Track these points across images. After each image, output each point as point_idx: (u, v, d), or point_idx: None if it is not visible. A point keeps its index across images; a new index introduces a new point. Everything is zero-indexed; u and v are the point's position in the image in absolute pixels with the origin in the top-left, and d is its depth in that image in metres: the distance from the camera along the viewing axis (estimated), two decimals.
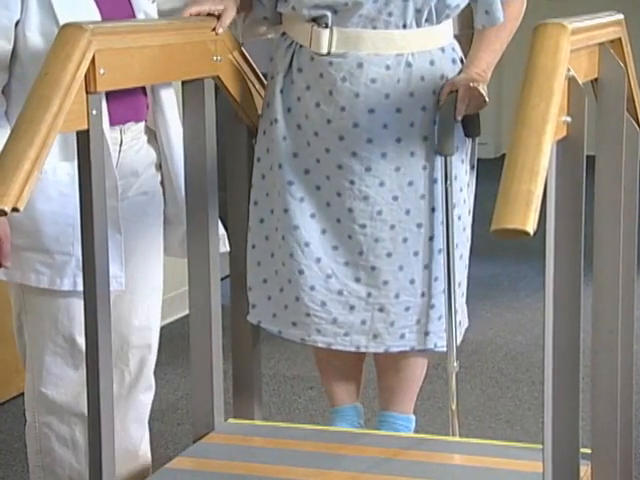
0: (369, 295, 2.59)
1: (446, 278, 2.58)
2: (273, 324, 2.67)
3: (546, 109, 1.86)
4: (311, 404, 3.94)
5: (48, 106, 2.05)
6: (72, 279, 2.51)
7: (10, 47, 2.43)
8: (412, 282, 2.60)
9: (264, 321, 2.69)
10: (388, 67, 2.53)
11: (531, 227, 1.71)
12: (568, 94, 2.01)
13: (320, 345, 2.63)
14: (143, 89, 2.58)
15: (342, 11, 2.50)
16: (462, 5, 2.57)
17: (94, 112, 2.20)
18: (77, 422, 2.58)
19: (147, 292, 2.68)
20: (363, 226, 2.57)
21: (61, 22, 2.38)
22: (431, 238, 2.59)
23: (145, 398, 2.76)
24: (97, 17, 2.47)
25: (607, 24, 2.30)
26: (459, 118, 2.55)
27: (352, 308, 2.60)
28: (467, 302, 2.73)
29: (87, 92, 2.17)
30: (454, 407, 2.70)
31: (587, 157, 2.07)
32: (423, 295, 2.61)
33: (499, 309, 5.12)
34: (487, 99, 2.55)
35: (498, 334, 4.78)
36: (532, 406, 3.93)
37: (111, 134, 2.48)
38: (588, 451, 2.38)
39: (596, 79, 2.28)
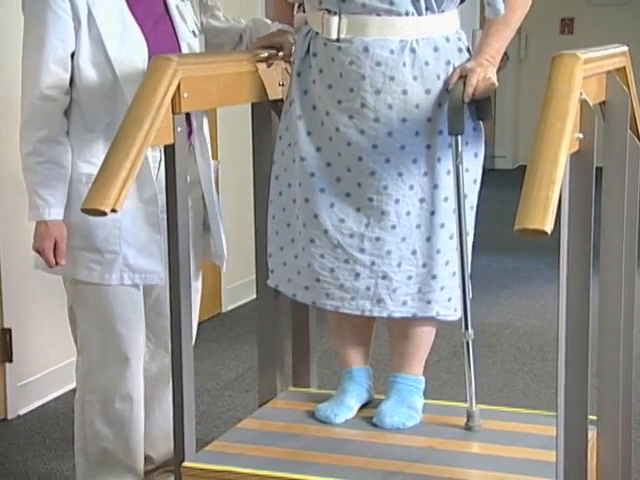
0: (373, 264, 2.42)
1: (459, 253, 2.41)
2: (288, 288, 2.54)
3: (562, 127, 1.85)
4: None
5: (141, 125, 2.07)
6: (119, 274, 2.50)
7: (67, 75, 2.42)
8: (414, 253, 2.42)
9: (281, 285, 2.54)
10: (392, 51, 2.34)
11: (549, 227, 1.72)
12: (581, 114, 2.00)
13: (329, 308, 2.49)
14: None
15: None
16: None
17: (179, 129, 2.22)
18: (114, 402, 2.58)
19: None
20: (370, 199, 2.40)
21: (110, 53, 2.39)
22: (433, 213, 2.41)
23: None
24: (144, 48, 2.44)
25: (614, 55, 2.28)
26: (467, 100, 2.35)
27: (357, 275, 2.44)
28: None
29: (173, 112, 2.19)
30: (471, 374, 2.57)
31: (596, 168, 2.05)
32: (425, 266, 2.42)
33: (517, 297, 5.09)
34: (496, 83, 2.36)
35: (516, 318, 4.75)
36: (545, 379, 3.92)
37: (152, 153, 2.45)
38: (595, 418, 2.36)
39: (604, 102, 2.25)
